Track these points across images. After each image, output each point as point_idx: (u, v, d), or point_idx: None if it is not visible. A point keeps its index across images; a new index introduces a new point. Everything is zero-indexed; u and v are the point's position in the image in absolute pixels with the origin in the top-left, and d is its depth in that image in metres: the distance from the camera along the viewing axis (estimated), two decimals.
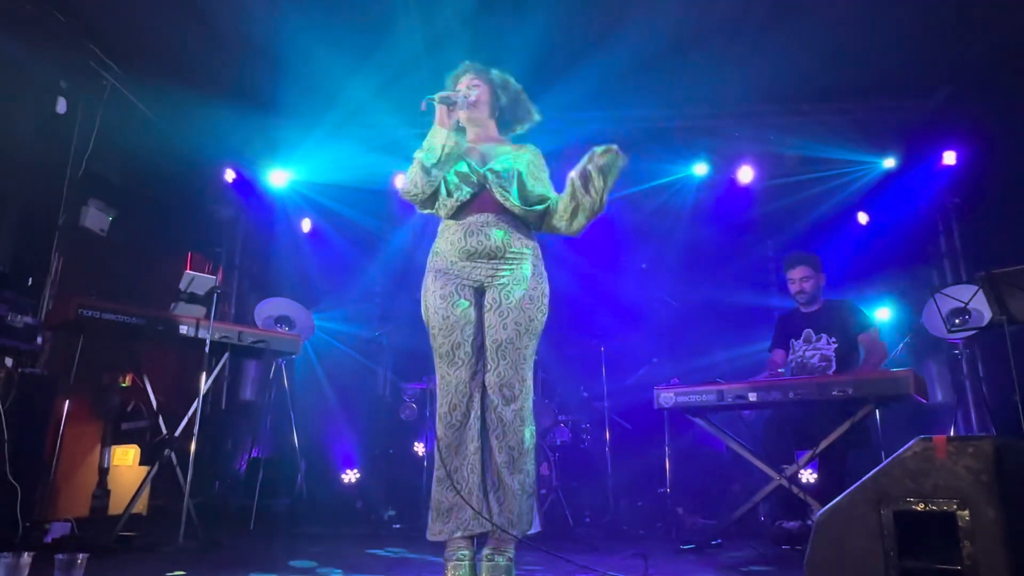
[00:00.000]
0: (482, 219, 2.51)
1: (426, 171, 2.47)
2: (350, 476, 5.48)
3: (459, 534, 2.40)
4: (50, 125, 4.28)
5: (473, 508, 2.39)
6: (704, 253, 6.14)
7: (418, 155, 2.51)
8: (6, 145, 4.03)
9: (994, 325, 3.42)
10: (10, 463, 2.81)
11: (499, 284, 2.50)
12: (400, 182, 2.63)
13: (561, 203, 2.51)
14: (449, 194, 2.54)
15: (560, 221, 2.54)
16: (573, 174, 2.46)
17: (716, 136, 5.63)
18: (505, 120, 2.72)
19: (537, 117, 2.76)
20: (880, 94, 5.25)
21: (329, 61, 4.71)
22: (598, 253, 5.84)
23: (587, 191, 2.43)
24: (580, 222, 2.51)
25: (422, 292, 2.59)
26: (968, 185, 5.40)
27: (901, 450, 1.85)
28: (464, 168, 2.53)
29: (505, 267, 2.51)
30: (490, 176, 2.51)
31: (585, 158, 2.43)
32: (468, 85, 2.64)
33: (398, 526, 4.40)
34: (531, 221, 2.59)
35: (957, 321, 3.93)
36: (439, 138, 2.45)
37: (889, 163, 5.64)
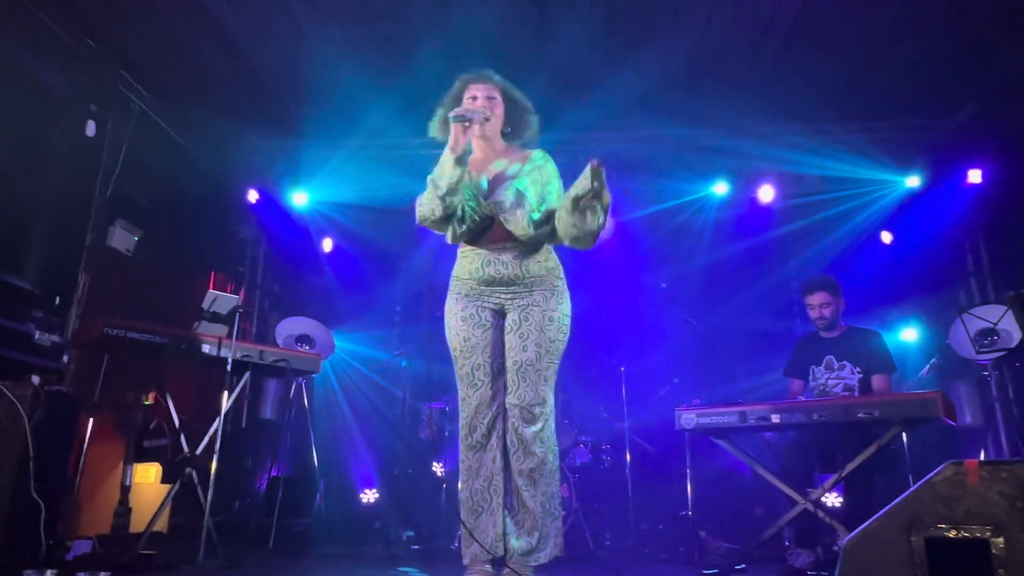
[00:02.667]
0: (497, 248, 2.50)
1: (441, 199, 2.42)
2: (369, 496, 5.47)
3: (480, 557, 2.40)
4: (79, 147, 4.37)
5: (472, 533, 2.36)
6: (725, 273, 6.09)
7: (431, 180, 2.46)
8: (37, 166, 4.12)
9: None
10: (35, 480, 2.83)
11: (520, 306, 2.50)
12: (420, 220, 2.57)
13: (559, 223, 2.40)
14: (460, 222, 2.51)
15: (563, 239, 2.45)
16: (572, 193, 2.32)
17: (736, 155, 5.61)
18: (512, 135, 2.67)
19: (536, 129, 2.68)
20: (904, 112, 5.21)
21: (352, 84, 4.78)
22: (618, 272, 5.82)
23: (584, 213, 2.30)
24: (581, 242, 2.38)
25: (445, 314, 2.61)
26: (994, 203, 5.33)
27: (931, 474, 1.80)
28: (472, 202, 2.48)
29: (525, 291, 2.51)
30: (496, 209, 2.48)
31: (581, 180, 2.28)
32: (486, 95, 2.57)
33: (416, 547, 4.37)
34: (544, 240, 2.55)
35: (986, 342, 3.85)
36: (448, 167, 2.38)
37: (913, 182, 5.58)
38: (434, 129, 2.63)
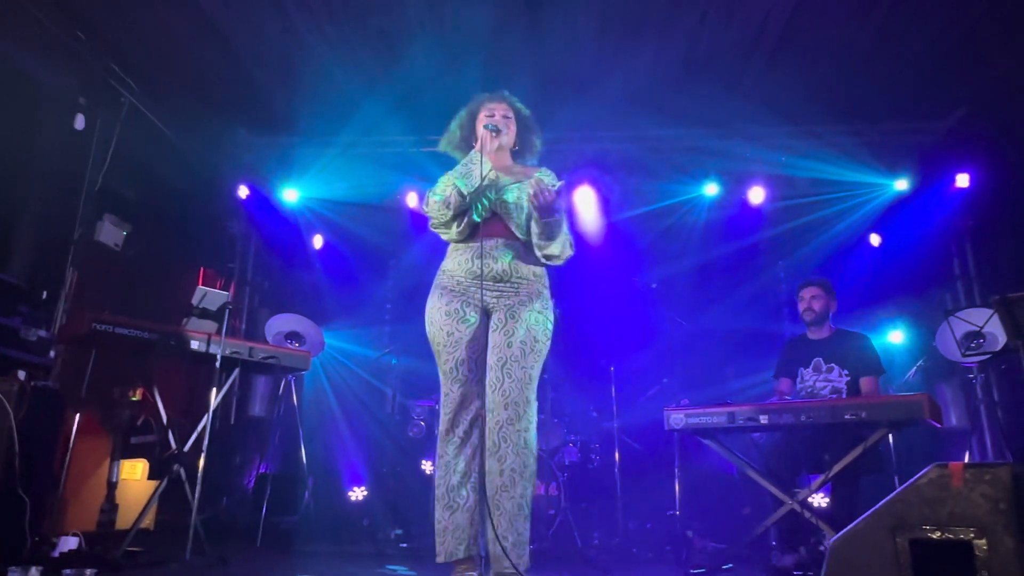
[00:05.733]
0: (491, 243, 2.54)
1: (462, 196, 2.49)
2: (357, 494, 5.46)
3: (460, 555, 2.38)
4: (68, 141, 4.33)
5: (447, 530, 2.37)
6: (715, 274, 6.12)
7: (452, 177, 2.51)
8: (25, 160, 4.09)
9: (1009, 350, 3.38)
10: (20, 477, 2.81)
11: (505, 305, 2.52)
12: (424, 200, 2.63)
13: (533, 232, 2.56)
14: (462, 218, 2.55)
15: (537, 250, 2.57)
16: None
17: (727, 157, 5.63)
18: (518, 153, 2.80)
19: (540, 148, 2.84)
20: (893, 116, 5.25)
21: (344, 80, 4.76)
22: (609, 272, 5.84)
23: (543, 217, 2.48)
24: (551, 250, 2.54)
25: (427, 309, 2.60)
26: (982, 207, 5.38)
27: (917, 476, 1.82)
28: (491, 194, 2.56)
29: (511, 290, 2.53)
30: (500, 206, 2.56)
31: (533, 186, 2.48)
32: (502, 114, 2.69)
33: (405, 545, 4.37)
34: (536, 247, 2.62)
35: (972, 345, 3.89)
36: (481, 166, 2.48)
37: (902, 185, 5.62)
38: (448, 144, 2.78)
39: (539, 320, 2.51)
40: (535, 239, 2.54)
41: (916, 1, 4.02)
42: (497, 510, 2.36)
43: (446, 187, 2.51)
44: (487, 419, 2.45)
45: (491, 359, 2.48)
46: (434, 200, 2.54)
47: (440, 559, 2.42)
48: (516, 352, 2.44)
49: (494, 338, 2.50)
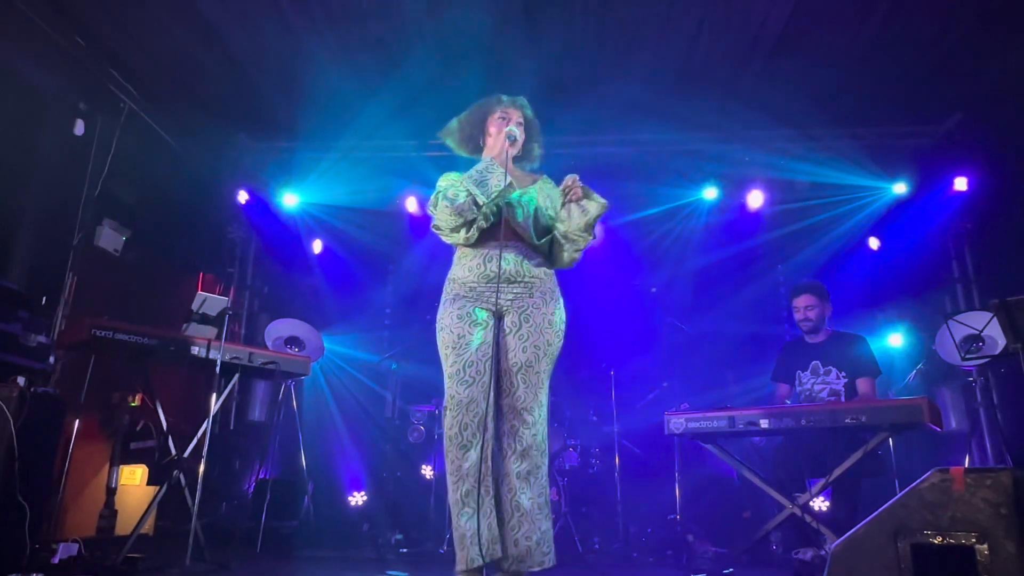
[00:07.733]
0: (499, 246, 2.52)
1: (476, 205, 2.45)
2: (357, 498, 5.45)
3: (482, 561, 2.34)
4: (68, 146, 4.34)
5: (464, 536, 2.35)
6: (714, 278, 6.12)
7: (466, 184, 2.48)
8: (24, 165, 4.09)
9: (1008, 353, 3.38)
10: (20, 483, 2.80)
11: (517, 308, 2.52)
12: (430, 201, 2.61)
13: (556, 232, 2.58)
14: (473, 222, 2.53)
15: (557, 250, 2.59)
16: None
17: (726, 161, 5.64)
18: (520, 158, 2.78)
19: (539, 154, 2.84)
20: (891, 120, 5.26)
21: (344, 85, 4.77)
22: (608, 276, 5.84)
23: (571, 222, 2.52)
24: (567, 256, 2.58)
25: (438, 319, 2.58)
26: (980, 211, 5.39)
27: (918, 481, 1.82)
28: (500, 200, 2.53)
29: (525, 292, 2.54)
30: (508, 211, 2.54)
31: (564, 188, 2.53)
32: (517, 121, 2.68)
33: (405, 550, 4.36)
34: (544, 252, 2.62)
35: (971, 348, 3.89)
36: (498, 177, 2.46)
37: (900, 189, 5.63)
38: (451, 136, 2.75)
39: (552, 321, 2.53)
40: (565, 231, 2.54)
41: (911, 6, 4.03)
42: (518, 511, 2.37)
43: (458, 192, 2.46)
44: (500, 423, 2.46)
45: (504, 363, 2.49)
46: (444, 204, 2.48)
47: (461, 567, 2.36)
48: (530, 357, 2.47)
49: (508, 342, 2.51)
